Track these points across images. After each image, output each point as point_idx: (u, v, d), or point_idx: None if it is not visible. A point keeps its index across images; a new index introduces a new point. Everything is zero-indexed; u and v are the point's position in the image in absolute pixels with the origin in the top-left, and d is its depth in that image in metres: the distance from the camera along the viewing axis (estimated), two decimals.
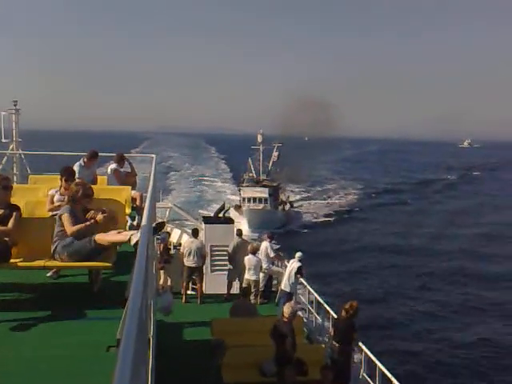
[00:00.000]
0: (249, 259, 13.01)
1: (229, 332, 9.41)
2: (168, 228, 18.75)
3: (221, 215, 17.29)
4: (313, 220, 53.68)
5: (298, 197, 66.87)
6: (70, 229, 5.26)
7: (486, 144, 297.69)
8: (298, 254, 12.66)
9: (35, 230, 5.55)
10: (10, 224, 5.35)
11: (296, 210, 56.57)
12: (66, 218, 5.32)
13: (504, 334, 23.59)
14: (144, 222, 3.99)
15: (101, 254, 5.24)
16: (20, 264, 5.17)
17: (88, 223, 5.36)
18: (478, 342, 22.79)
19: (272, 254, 13.64)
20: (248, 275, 12.98)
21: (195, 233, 13.89)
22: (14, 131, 16.95)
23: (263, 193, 50.39)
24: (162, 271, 13.50)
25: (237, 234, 14.02)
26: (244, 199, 49.96)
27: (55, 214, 5.77)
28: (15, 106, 17.19)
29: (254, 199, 49.46)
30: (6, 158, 13.87)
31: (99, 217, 5.43)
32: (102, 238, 5.18)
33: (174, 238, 17.81)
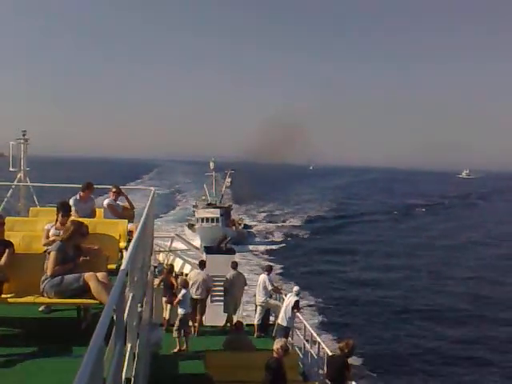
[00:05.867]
0: None
1: (222, 366, 9.41)
2: (171, 257, 18.79)
3: (222, 245, 17.35)
4: (266, 240, 56.99)
5: (263, 215, 74.60)
6: (50, 269, 5.41)
7: (486, 174, 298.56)
8: (296, 289, 12.64)
9: (28, 265, 5.68)
10: (2, 260, 5.54)
11: (250, 230, 61.56)
12: (52, 256, 5.48)
13: None
14: (123, 265, 3.76)
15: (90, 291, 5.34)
16: (10, 300, 5.30)
17: (67, 266, 5.50)
18: None
19: (270, 287, 13.62)
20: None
21: (202, 264, 13.74)
22: (22, 161, 17.28)
23: (215, 213, 55.57)
24: (168, 305, 13.15)
25: (232, 267, 13.88)
26: (198, 219, 55.24)
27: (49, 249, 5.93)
28: (24, 135, 17.56)
29: (207, 219, 54.60)
30: (11, 189, 13.91)
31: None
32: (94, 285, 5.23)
33: (176, 268, 17.83)
